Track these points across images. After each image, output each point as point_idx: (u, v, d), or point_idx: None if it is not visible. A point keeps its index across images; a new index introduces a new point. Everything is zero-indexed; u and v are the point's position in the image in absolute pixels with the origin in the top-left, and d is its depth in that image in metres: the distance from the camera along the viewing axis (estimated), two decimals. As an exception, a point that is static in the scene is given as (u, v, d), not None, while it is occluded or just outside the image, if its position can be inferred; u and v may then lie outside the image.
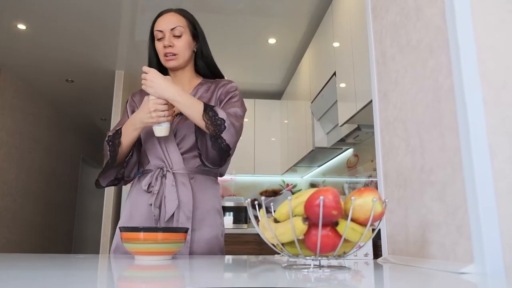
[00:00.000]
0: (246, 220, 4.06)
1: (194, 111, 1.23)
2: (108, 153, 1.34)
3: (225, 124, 1.23)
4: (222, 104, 1.37)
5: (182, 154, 1.34)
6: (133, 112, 1.44)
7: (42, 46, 3.97)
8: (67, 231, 6.49)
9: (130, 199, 1.38)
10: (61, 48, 4.00)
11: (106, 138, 1.35)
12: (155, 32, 1.39)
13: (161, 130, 1.27)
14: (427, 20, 0.92)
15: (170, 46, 1.36)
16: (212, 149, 1.25)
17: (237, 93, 1.41)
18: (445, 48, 0.84)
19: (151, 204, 1.30)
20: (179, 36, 1.38)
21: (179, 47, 1.38)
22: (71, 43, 3.89)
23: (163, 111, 1.23)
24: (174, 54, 1.37)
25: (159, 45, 1.39)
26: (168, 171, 1.32)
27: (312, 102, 3.35)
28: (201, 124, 1.24)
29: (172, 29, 1.36)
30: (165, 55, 1.37)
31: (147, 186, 1.32)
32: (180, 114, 1.37)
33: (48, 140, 5.68)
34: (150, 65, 1.45)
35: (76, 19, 3.47)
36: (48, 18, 3.45)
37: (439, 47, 0.87)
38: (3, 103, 4.52)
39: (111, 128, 4.38)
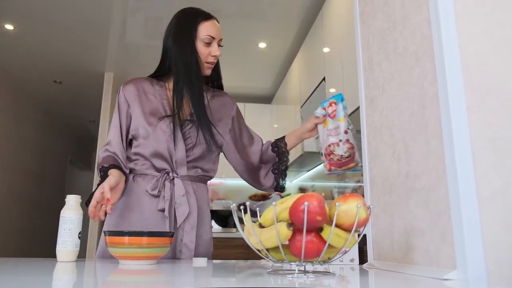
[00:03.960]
0: (235, 224, 4.05)
1: None
2: (99, 179, 1.28)
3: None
4: (241, 124, 1.49)
5: (187, 162, 1.32)
6: (127, 111, 1.34)
7: (30, 47, 3.93)
8: (53, 233, 6.39)
9: (127, 202, 1.30)
10: (49, 49, 3.96)
11: (100, 167, 1.28)
12: (205, 36, 1.33)
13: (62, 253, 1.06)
14: (413, 28, 0.93)
15: (218, 56, 1.36)
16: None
17: None
18: (431, 55, 0.85)
19: (160, 210, 1.26)
20: (220, 47, 1.39)
21: (218, 58, 1.39)
22: (60, 44, 3.86)
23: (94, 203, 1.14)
24: (214, 63, 1.38)
25: (205, 50, 1.34)
26: (176, 176, 1.30)
27: (301, 107, 3.36)
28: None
29: (220, 39, 1.37)
30: (209, 62, 1.35)
31: (156, 190, 1.27)
32: (190, 120, 1.33)
33: (35, 141, 5.61)
34: (189, 66, 1.33)
35: (65, 20, 3.44)
36: (37, 18, 3.41)
37: (424, 54, 0.88)
38: (-11, 104, 4.46)
39: (100, 129, 4.36)
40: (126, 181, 1.31)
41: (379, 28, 1.11)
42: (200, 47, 1.34)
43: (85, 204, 1.35)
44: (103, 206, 1.15)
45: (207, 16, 1.37)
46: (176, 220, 1.27)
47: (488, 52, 0.80)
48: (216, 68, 1.46)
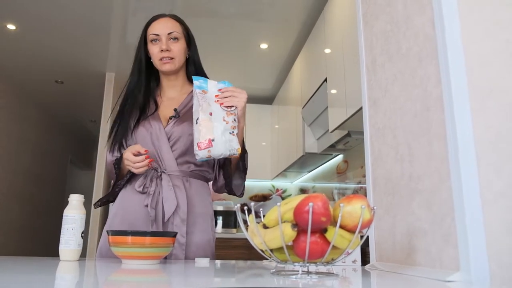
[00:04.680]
0: (235, 225, 4.05)
1: (240, 142, 1.29)
2: (114, 175, 1.34)
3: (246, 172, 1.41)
4: None
5: (175, 157, 1.34)
6: None
7: (31, 47, 3.93)
8: (54, 233, 6.40)
9: (120, 200, 1.35)
10: (51, 49, 3.96)
11: (114, 161, 1.35)
12: (150, 36, 1.38)
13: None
14: (417, 29, 0.93)
15: (168, 50, 1.36)
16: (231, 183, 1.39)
17: None
18: (434, 57, 0.85)
19: (146, 205, 1.28)
20: (176, 41, 1.38)
21: (176, 51, 1.38)
22: (61, 44, 3.86)
23: (134, 162, 1.23)
24: (171, 58, 1.37)
25: (154, 49, 1.38)
26: (163, 172, 1.31)
27: (303, 108, 3.36)
28: (236, 157, 1.31)
29: (169, 33, 1.37)
30: (162, 58, 1.37)
31: (141, 187, 1.30)
32: (174, 116, 1.37)
33: (36, 142, 5.62)
34: (138, 68, 1.43)
35: (67, 20, 3.45)
36: (38, 18, 3.42)
37: (428, 55, 0.88)
38: (-10, 103, 4.47)
39: (101, 129, 4.36)
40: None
41: (382, 29, 1.11)
42: (150, 48, 1.40)
43: (94, 205, 1.39)
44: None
45: (155, 18, 1.42)
46: (164, 214, 1.27)
47: (490, 54, 0.80)
48: (195, 66, 1.47)
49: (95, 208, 1.41)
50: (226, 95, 1.22)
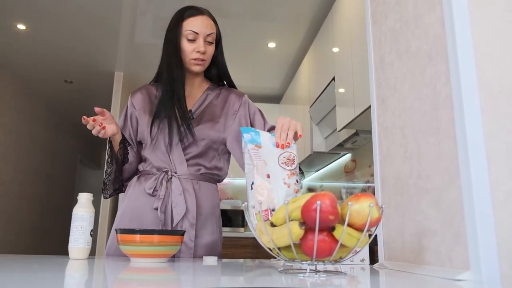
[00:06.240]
0: (243, 224, 4.05)
1: None
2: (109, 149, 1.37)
3: None
4: (246, 120, 1.41)
5: (186, 159, 1.33)
6: (131, 116, 1.41)
7: (41, 47, 3.97)
8: (63, 233, 6.46)
9: (129, 201, 1.34)
10: (60, 48, 4.00)
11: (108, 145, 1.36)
12: (187, 31, 1.33)
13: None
14: (426, 28, 0.92)
15: (204, 52, 1.34)
16: None
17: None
18: (444, 56, 0.84)
19: (155, 208, 1.28)
20: (211, 44, 1.36)
21: (209, 54, 1.36)
22: (71, 43, 3.89)
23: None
24: (203, 60, 1.35)
25: (189, 46, 1.33)
26: (173, 175, 1.30)
27: (310, 107, 3.35)
28: None
29: (208, 35, 1.34)
30: (195, 59, 1.34)
31: (151, 189, 1.29)
32: (189, 118, 1.35)
33: (45, 141, 5.67)
34: (168, 60, 1.36)
35: (76, 20, 3.47)
36: (48, 18, 3.45)
37: (437, 54, 0.87)
38: (1, 103, 4.51)
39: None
40: (125, 143, 1.36)
41: (391, 28, 1.11)
42: (184, 43, 1.34)
43: (103, 195, 1.38)
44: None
45: (194, 13, 1.36)
46: (173, 219, 1.27)
47: (501, 53, 0.79)
48: (219, 67, 1.45)
49: (106, 198, 1.40)
50: (283, 135, 1.06)
